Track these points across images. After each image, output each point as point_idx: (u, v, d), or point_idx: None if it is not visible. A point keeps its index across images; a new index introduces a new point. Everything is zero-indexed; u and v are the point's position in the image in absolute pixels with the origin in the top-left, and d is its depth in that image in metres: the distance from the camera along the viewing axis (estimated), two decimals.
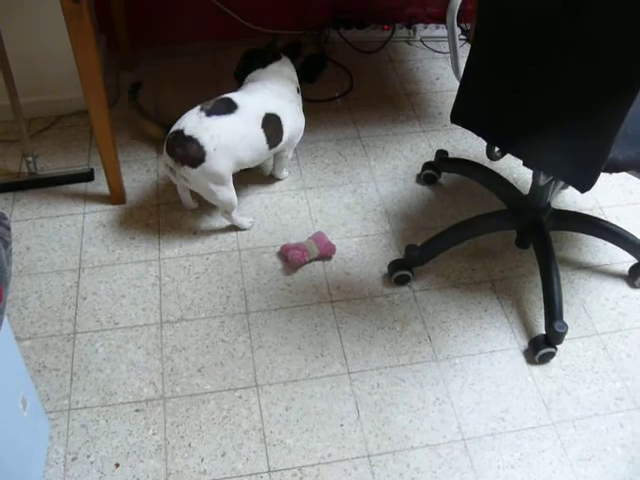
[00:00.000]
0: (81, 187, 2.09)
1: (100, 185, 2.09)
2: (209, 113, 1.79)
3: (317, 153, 2.23)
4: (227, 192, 1.87)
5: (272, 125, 1.89)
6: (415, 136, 2.31)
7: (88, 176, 2.10)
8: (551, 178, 1.59)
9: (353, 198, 2.09)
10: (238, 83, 2.05)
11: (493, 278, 1.88)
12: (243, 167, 1.92)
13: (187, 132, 1.76)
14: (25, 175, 2.08)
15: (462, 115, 1.56)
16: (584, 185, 1.43)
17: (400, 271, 1.82)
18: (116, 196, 2.03)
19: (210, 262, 1.90)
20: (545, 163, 1.48)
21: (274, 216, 2.03)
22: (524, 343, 1.73)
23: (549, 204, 1.81)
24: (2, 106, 2.09)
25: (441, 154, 2.08)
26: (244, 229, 1.99)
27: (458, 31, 1.70)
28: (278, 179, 2.14)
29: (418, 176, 2.16)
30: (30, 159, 2.04)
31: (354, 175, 2.16)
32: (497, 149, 1.62)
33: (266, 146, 1.90)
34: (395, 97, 2.47)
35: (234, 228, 1.98)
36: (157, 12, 2.57)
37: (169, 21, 2.61)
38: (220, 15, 2.59)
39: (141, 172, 2.15)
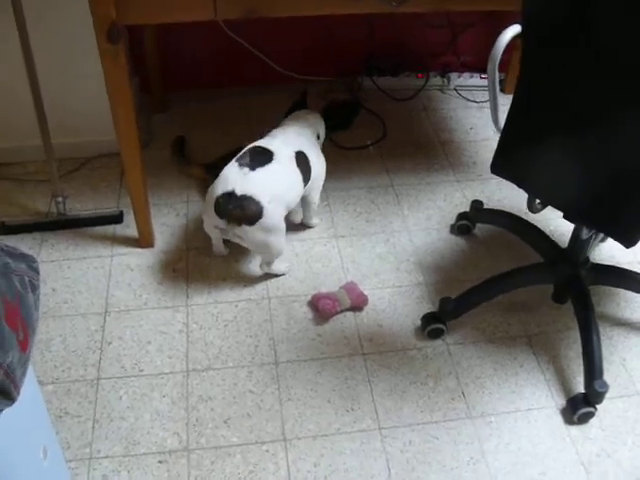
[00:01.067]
0: (109, 229, 2.07)
1: (129, 227, 2.07)
2: (252, 167, 1.77)
3: (349, 201, 2.20)
4: (282, 240, 1.85)
5: (302, 162, 1.90)
6: (449, 185, 2.27)
7: (117, 218, 2.08)
8: (593, 232, 1.53)
9: (386, 248, 2.05)
10: None
11: (529, 333, 1.82)
12: (289, 210, 1.91)
13: (239, 191, 1.73)
14: (54, 215, 2.07)
15: (503, 166, 1.52)
16: (630, 240, 1.38)
17: (434, 324, 1.77)
18: (145, 239, 2.01)
19: (239, 310, 1.85)
20: (589, 217, 1.44)
21: (305, 264, 1.99)
22: (562, 402, 1.66)
23: (588, 258, 1.76)
24: (34, 146, 2.09)
25: (476, 204, 2.04)
26: (281, 275, 1.95)
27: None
28: (309, 227, 2.11)
29: (452, 226, 2.12)
30: (60, 199, 2.03)
31: (387, 224, 2.13)
32: (538, 201, 1.57)
33: (302, 184, 1.90)
34: (429, 145, 2.44)
35: (264, 275, 1.94)
36: (190, 56, 2.58)
37: (202, 65, 2.62)
38: (253, 60, 2.59)
39: (170, 216, 2.13)
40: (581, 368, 1.66)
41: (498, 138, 1.58)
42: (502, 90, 2.69)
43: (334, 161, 2.28)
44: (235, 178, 1.76)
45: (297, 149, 1.90)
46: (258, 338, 1.78)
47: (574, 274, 1.75)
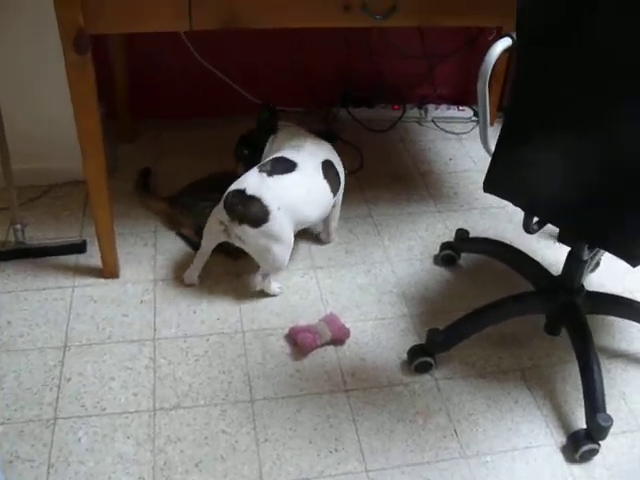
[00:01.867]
0: (71, 259, 1.93)
1: (92, 257, 1.93)
2: (270, 173, 1.74)
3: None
4: (285, 253, 1.77)
5: (330, 171, 1.87)
6: (430, 216, 2.18)
7: (80, 247, 1.94)
8: (594, 252, 1.45)
9: (367, 279, 1.94)
10: (241, 163, 1.98)
11: (522, 367, 1.71)
12: (305, 226, 1.87)
13: (249, 191, 1.69)
14: (12, 244, 1.92)
15: (497, 183, 1.44)
16: (635, 257, 1.29)
17: (421, 357, 1.65)
18: (109, 269, 1.86)
19: (211, 344, 1.71)
20: (592, 233, 1.35)
21: (282, 296, 1.86)
22: (562, 439, 1.54)
23: (583, 285, 1.67)
24: None
25: (461, 233, 1.95)
26: (273, 295, 1.85)
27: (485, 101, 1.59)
28: (327, 243, 2.04)
29: (435, 257, 2.02)
30: (18, 227, 1.88)
31: (367, 255, 2.02)
32: (535, 220, 1.48)
33: (330, 195, 1.86)
34: (408, 177, 2.36)
35: (237, 307, 1.81)
36: (160, 84, 2.49)
37: (172, 94, 2.52)
38: (226, 89, 2.51)
39: (137, 246, 1.99)
40: (580, 402, 1.55)
41: (484, 163, 1.50)
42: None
43: None
44: (250, 180, 1.73)
45: (324, 158, 1.87)
46: (232, 374, 1.64)
47: (569, 302, 1.65)
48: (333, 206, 1.95)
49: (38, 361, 1.63)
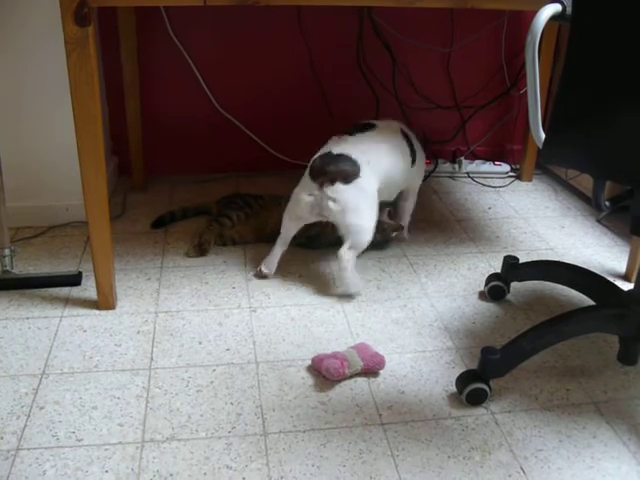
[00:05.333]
0: (63, 291, 1.69)
1: (87, 290, 1.69)
2: (351, 133, 1.76)
3: (356, 269, 1.84)
4: (372, 218, 1.69)
5: (407, 140, 1.85)
6: (472, 257, 1.93)
7: (74, 279, 1.70)
8: None
9: (403, 313, 1.66)
10: None
11: (595, 400, 1.38)
12: (388, 195, 1.83)
13: (336, 151, 1.68)
14: None
15: (558, 149, 1.20)
16: None
17: (474, 384, 1.34)
18: (105, 301, 1.61)
19: (217, 374, 1.43)
20: None
21: (303, 328, 1.59)
22: None
23: None
24: None
25: (510, 259, 1.68)
26: (350, 294, 1.71)
27: (536, 97, 1.38)
28: (402, 238, 1.97)
29: (481, 293, 1.74)
30: (7, 252, 1.66)
31: (402, 291, 1.75)
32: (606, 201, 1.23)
33: (409, 160, 1.83)
34: (444, 222, 2.13)
35: (250, 340, 1.54)
36: (175, 141, 2.36)
37: (189, 151, 2.38)
38: (244, 143, 2.37)
39: (139, 280, 1.75)
40: None
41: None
42: (519, 178, 2.45)
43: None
44: (333, 143, 1.73)
45: (401, 128, 1.87)
46: (241, 405, 1.34)
47: None
48: (408, 192, 1.93)
49: (8, 388, 1.35)
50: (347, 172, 1.63)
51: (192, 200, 2.17)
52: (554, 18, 1.31)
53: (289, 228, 1.75)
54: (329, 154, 1.67)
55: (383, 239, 1.90)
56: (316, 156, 1.70)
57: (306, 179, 1.68)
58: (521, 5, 1.55)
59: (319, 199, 1.64)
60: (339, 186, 1.62)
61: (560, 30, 2.28)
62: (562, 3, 1.31)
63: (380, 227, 1.81)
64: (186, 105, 2.32)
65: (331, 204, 1.63)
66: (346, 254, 1.67)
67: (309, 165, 1.69)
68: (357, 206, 1.65)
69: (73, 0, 1.32)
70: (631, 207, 1.22)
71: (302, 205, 1.67)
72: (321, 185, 1.63)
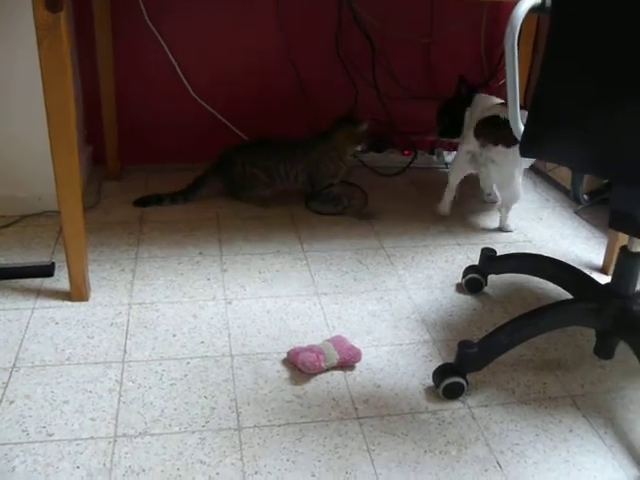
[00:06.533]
0: (35, 282, 1.66)
1: (60, 281, 1.66)
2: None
3: (332, 261, 1.83)
4: (521, 181, 1.93)
5: None
6: (449, 248, 1.92)
7: (47, 270, 1.67)
8: None
9: (379, 305, 1.65)
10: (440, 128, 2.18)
11: (572, 394, 1.38)
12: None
13: (503, 116, 1.81)
14: None
15: (537, 142, 1.19)
16: None
17: (451, 378, 1.33)
18: (77, 292, 1.59)
19: (191, 367, 1.41)
20: None
21: (279, 321, 1.57)
22: (634, 471, 1.20)
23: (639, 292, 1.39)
24: None
25: (488, 252, 1.67)
26: (508, 231, 2.02)
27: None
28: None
29: (459, 285, 1.74)
30: None
31: (379, 283, 1.74)
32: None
33: None
34: (420, 214, 2.12)
35: (226, 332, 1.52)
36: (151, 129, 2.32)
37: (165, 140, 2.35)
38: (222, 131, 2.33)
39: (113, 271, 1.72)
40: None
41: None
42: None
43: (312, 225, 1.99)
44: (499, 107, 1.89)
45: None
46: (215, 399, 1.32)
47: (626, 312, 1.36)
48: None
49: None
50: (509, 137, 1.61)
51: (165, 189, 2.14)
52: (533, 10, 1.31)
53: (456, 176, 2.01)
54: (498, 117, 1.84)
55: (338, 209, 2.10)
56: (482, 118, 1.89)
57: (469, 133, 1.90)
58: None
59: (477, 158, 1.90)
60: (501, 148, 1.83)
61: (539, 22, 2.27)
62: None
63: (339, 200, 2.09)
64: (162, 93, 2.28)
65: (489, 163, 1.87)
66: (500, 211, 2.02)
67: (475, 122, 1.91)
68: (512, 168, 1.86)
69: None
70: (610, 200, 1.21)
71: (462, 162, 1.96)
72: (483, 145, 1.86)
